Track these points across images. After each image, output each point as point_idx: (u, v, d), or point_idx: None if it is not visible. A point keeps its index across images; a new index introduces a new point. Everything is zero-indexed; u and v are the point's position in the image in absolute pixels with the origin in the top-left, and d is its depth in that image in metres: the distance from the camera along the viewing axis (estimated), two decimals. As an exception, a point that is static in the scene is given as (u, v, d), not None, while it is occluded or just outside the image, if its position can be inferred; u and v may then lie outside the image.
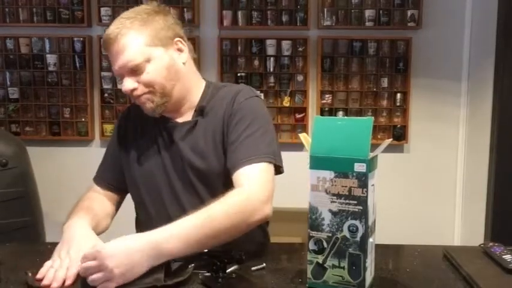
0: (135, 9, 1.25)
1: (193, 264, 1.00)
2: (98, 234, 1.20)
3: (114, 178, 1.38)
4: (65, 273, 1.02)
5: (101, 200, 1.35)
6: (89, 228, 1.16)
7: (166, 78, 1.23)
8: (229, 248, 1.06)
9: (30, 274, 0.99)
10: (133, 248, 0.98)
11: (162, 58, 1.23)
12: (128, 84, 1.21)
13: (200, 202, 1.14)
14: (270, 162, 1.17)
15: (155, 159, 1.30)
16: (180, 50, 1.27)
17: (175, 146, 1.28)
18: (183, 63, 1.27)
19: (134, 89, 1.22)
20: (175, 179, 1.27)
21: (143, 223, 1.32)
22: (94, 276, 0.94)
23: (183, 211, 1.15)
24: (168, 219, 1.06)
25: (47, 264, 1.05)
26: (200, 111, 1.28)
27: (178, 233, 1.01)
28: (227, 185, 1.19)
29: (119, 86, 2.73)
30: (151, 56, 1.21)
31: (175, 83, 1.26)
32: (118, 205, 1.39)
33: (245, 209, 1.08)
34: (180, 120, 1.30)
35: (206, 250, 1.06)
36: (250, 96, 1.27)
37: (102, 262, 0.94)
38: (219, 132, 1.25)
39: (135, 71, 1.21)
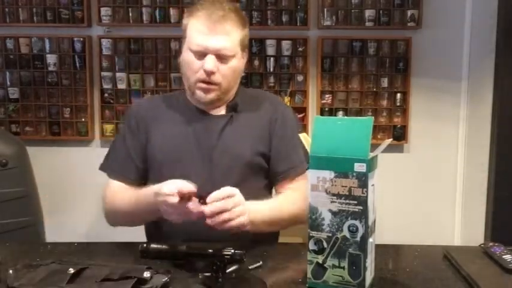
0: (232, 5, 1.36)
1: (167, 278, 0.97)
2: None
3: (135, 172, 1.40)
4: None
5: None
6: None
7: (233, 78, 1.37)
8: (234, 247, 1.08)
9: (11, 271, 0.99)
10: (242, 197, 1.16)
11: (240, 60, 1.37)
12: (213, 64, 1.29)
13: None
14: None
15: (184, 147, 1.35)
16: (244, 58, 1.40)
17: (211, 136, 1.36)
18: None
19: (213, 72, 1.29)
20: (201, 167, 1.34)
21: None
22: (236, 209, 1.11)
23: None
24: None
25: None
26: (234, 107, 1.40)
27: (262, 208, 1.24)
28: (256, 175, 1.38)
29: (119, 86, 2.73)
30: (237, 54, 1.34)
31: (234, 85, 1.40)
32: None
33: (304, 211, 1.18)
34: (213, 113, 1.40)
35: (209, 251, 1.07)
36: (286, 105, 1.50)
37: (241, 198, 1.13)
38: (258, 128, 1.39)
39: (222, 58, 1.30)
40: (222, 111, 1.41)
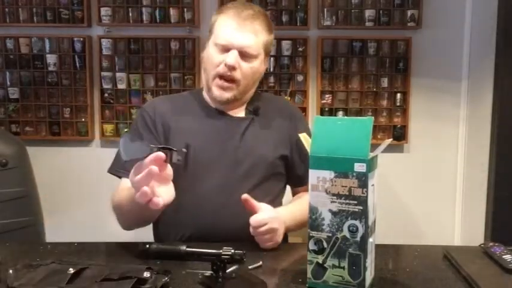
0: (260, 9, 1.38)
1: (167, 278, 0.97)
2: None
3: None
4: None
5: None
6: None
7: (252, 80, 1.37)
8: (234, 247, 1.08)
9: (11, 271, 0.99)
10: (281, 220, 1.23)
11: (261, 63, 1.38)
12: (234, 59, 1.29)
13: (235, 194, 1.24)
14: None
15: (207, 147, 1.34)
16: (265, 64, 1.42)
17: (233, 137, 1.35)
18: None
19: (234, 68, 1.29)
20: (224, 166, 1.33)
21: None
22: (269, 234, 1.18)
23: (215, 203, 1.29)
24: (195, 207, 1.26)
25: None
26: (255, 110, 1.41)
27: (289, 213, 1.30)
28: (276, 176, 1.39)
29: (119, 86, 2.73)
30: (260, 55, 1.35)
31: (252, 87, 1.41)
32: None
33: None
34: (232, 114, 1.40)
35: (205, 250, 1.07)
36: (297, 107, 1.54)
37: (273, 225, 1.18)
38: (277, 131, 1.40)
39: (245, 56, 1.31)
40: (241, 112, 1.41)
